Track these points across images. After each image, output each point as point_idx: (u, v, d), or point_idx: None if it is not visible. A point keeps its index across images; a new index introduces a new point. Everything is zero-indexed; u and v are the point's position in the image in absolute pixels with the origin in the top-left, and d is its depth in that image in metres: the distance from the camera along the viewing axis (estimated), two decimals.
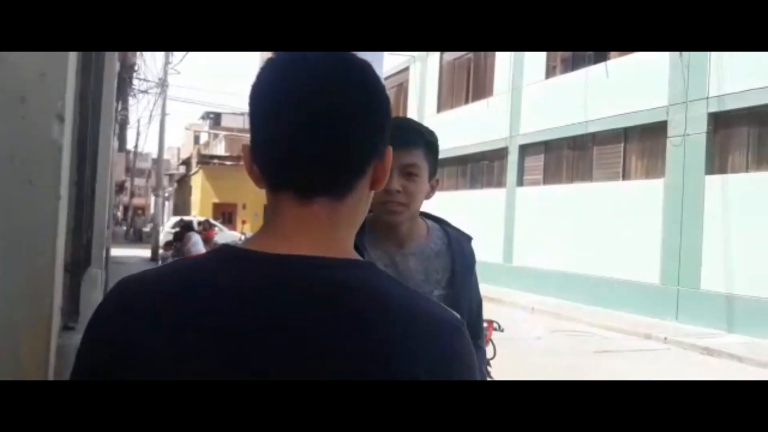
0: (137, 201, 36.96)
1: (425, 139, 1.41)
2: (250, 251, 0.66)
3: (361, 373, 0.60)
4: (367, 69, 0.69)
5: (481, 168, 14.70)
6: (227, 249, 0.67)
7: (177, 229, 11.51)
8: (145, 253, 17.35)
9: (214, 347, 0.60)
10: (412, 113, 17.56)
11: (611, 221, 10.32)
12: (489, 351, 4.29)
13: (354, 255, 0.69)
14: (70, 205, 1.82)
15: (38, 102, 0.99)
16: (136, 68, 8.60)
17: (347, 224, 0.71)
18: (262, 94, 0.68)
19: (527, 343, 7.58)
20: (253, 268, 0.64)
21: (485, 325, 4.35)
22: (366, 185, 0.71)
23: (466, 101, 15.32)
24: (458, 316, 0.76)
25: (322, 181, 0.67)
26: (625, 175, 10.50)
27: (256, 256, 0.65)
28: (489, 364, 4.33)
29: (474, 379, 0.67)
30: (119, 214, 36.39)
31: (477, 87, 14.99)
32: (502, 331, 4.55)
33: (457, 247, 1.49)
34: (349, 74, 0.68)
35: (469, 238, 1.57)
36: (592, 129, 11.02)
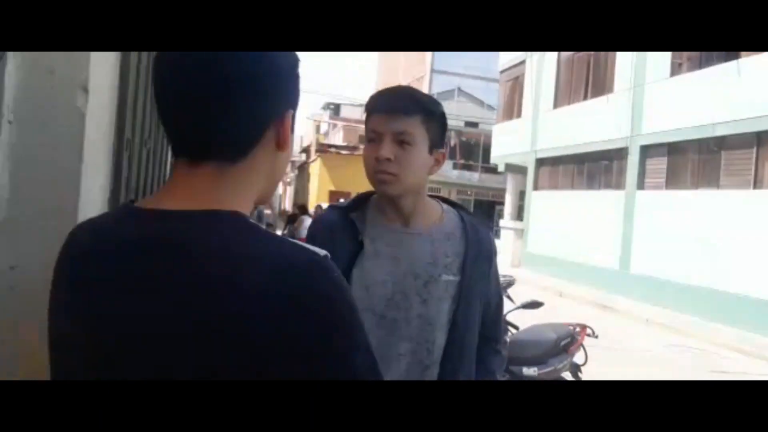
0: None
1: (422, 107, 1.35)
2: (139, 208, 0.73)
3: (191, 312, 0.64)
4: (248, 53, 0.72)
5: (599, 168, 14.43)
6: (126, 206, 0.76)
7: (293, 212, 12.76)
8: None
9: (88, 295, 0.69)
10: (527, 109, 17.50)
11: (740, 232, 9.86)
12: (580, 357, 4.43)
13: (239, 213, 0.71)
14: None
15: (66, 74, 1.06)
16: None
17: (242, 186, 0.74)
18: (156, 74, 0.74)
19: (635, 355, 7.52)
20: (134, 222, 0.70)
21: (577, 329, 4.53)
22: (266, 149, 0.75)
23: (585, 97, 15.04)
24: (321, 252, 0.69)
25: (209, 147, 0.72)
26: (757, 183, 9.97)
27: (141, 212, 0.72)
28: (580, 371, 4.52)
29: (339, 316, 0.66)
30: None
31: (596, 83, 14.67)
32: (596, 337, 4.61)
33: (472, 232, 1.43)
34: (215, 55, 0.71)
35: (487, 227, 1.52)
36: (720, 132, 10.53)
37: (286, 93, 0.76)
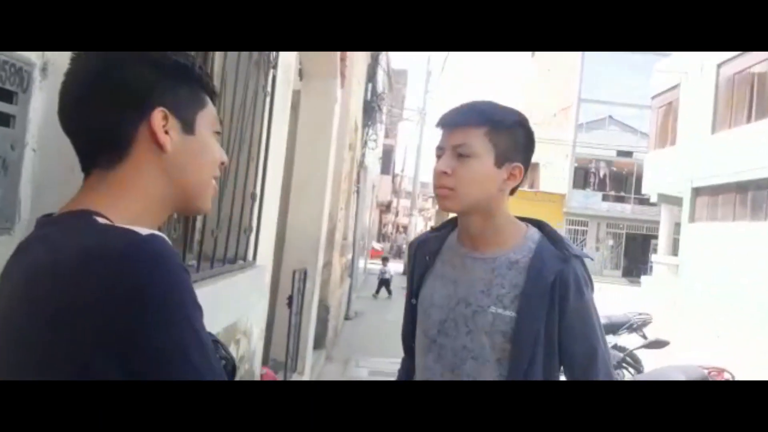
0: (402, 220, 41.14)
1: (485, 118, 1.28)
2: (46, 215, 0.80)
3: (25, 301, 0.68)
4: (101, 58, 0.78)
5: (764, 197, 13.32)
6: (45, 215, 0.81)
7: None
8: (399, 266, 18.97)
9: None
10: (682, 135, 16.61)
11: None
12: None
13: (97, 213, 0.74)
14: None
15: None
16: (383, 96, 9.92)
17: (123, 190, 0.79)
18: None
19: None
20: (36, 227, 0.78)
21: (713, 372, 4.32)
22: (146, 152, 0.79)
23: (748, 120, 14.03)
24: (143, 233, 0.69)
25: (90, 156, 0.80)
26: None
27: (42, 219, 0.79)
28: None
29: (150, 301, 0.65)
30: (389, 230, 40.73)
31: (761, 103, 13.65)
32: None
33: (537, 263, 1.28)
34: (86, 61, 0.78)
35: (578, 258, 1.30)
36: None
37: (149, 93, 0.78)
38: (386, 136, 21.04)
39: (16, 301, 0.70)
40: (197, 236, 2.19)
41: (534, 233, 1.36)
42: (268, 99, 2.72)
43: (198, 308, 0.71)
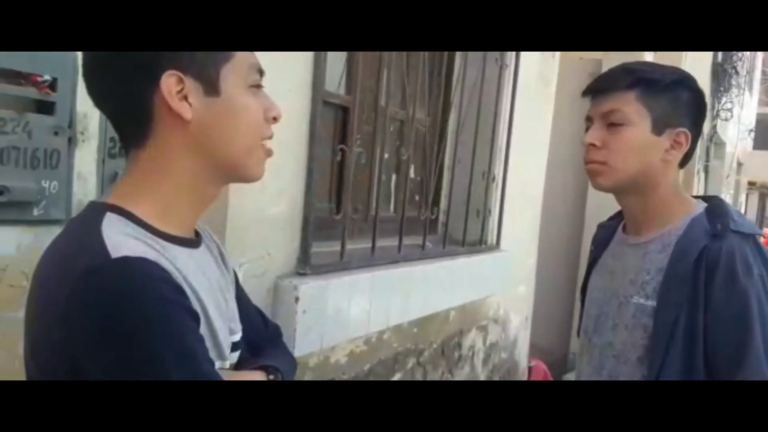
0: None
1: (637, 78, 1.13)
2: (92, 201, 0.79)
3: (29, 306, 0.70)
4: None
5: None
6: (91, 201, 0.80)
7: None
8: None
9: None
10: None
11: None
12: None
13: (127, 200, 0.72)
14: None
15: None
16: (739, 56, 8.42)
17: (154, 169, 0.74)
18: None
19: None
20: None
21: None
22: (167, 124, 0.73)
23: None
24: (109, 256, 0.64)
25: (121, 134, 0.77)
26: None
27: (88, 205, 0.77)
28: None
29: (104, 329, 0.63)
30: None
31: None
32: None
33: (682, 241, 1.11)
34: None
35: (739, 234, 1.09)
36: None
37: (157, 55, 0.71)
38: None
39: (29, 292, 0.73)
40: (427, 216, 2.25)
41: (698, 209, 1.16)
42: (507, 72, 2.62)
43: (177, 338, 0.66)
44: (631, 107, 1.12)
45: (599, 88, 1.17)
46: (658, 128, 1.13)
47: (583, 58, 5.01)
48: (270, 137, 0.80)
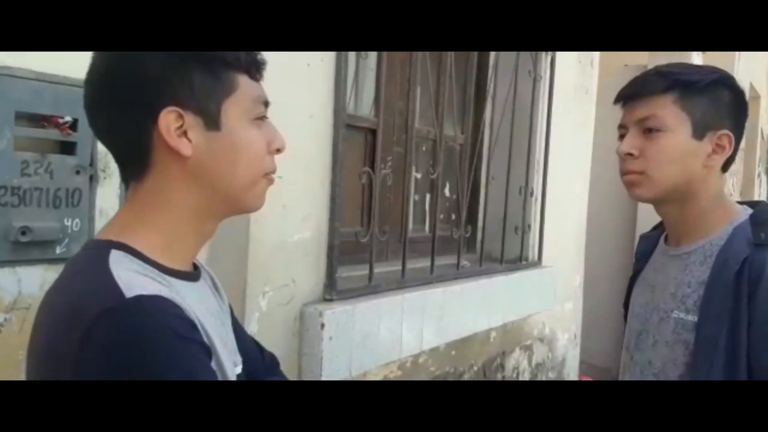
0: None
1: (674, 80, 1.06)
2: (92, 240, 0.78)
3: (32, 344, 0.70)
4: (109, 56, 0.71)
5: None
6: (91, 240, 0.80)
7: None
8: None
9: None
10: None
11: None
12: None
13: (129, 235, 0.72)
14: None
15: None
16: None
17: (154, 204, 0.73)
18: None
19: None
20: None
21: None
22: (167, 159, 0.72)
23: None
24: (122, 297, 0.64)
25: (121, 168, 0.76)
26: None
27: (86, 244, 0.77)
28: None
29: (119, 371, 0.62)
30: None
31: None
32: None
33: (724, 252, 1.04)
34: (93, 66, 0.72)
35: None
36: None
37: (156, 91, 0.70)
38: None
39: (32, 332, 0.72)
40: (463, 234, 2.21)
41: (742, 217, 1.09)
42: (542, 84, 2.57)
43: (193, 376, 0.65)
44: (668, 111, 1.06)
45: (633, 93, 1.11)
46: (699, 132, 1.06)
47: (628, 65, 4.88)
48: (273, 171, 0.79)
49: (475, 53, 2.37)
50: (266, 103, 0.79)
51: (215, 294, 0.87)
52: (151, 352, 0.63)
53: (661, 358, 1.11)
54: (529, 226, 2.58)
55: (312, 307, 1.50)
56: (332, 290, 1.57)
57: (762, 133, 8.77)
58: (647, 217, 4.60)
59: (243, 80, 0.74)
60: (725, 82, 1.09)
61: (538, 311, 2.63)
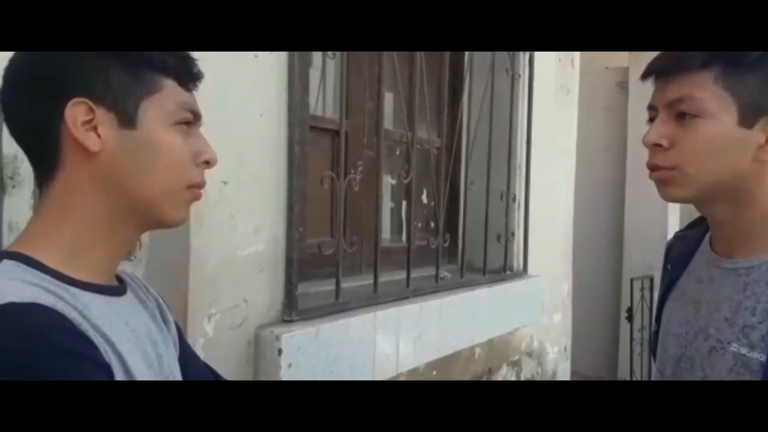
0: None
1: (716, 54, 0.86)
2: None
3: None
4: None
5: None
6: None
7: None
8: None
9: None
10: None
11: None
12: None
13: (32, 245, 0.68)
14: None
15: None
16: None
17: (57, 209, 0.69)
18: None
19: None
20: None
21: None
22: (74, 157, 0.68)
23: None
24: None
25: (33, 169, 0.72)
26: None
27: None
28: None
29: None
30: None
31: None
32: None
33: None
34: (12, 58, 0.70)
35: None
36: None
37: (68, 82, 0.67)
38: None
39: None
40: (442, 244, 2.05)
41: None
42: (520, 83, 2.43)
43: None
44: (707, 92, 0.86)
45: (664, 67, 0.90)
46: (748, 118, 0.85)
47: (609, 67, 4.79)
48: (199, 184, 0.75)
49: (449, 54, 2.23)
50: (194, 113, 0.75)
51: (154, 316, 0.83)
52: (19, 367, 0.58)
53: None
54: (513, 234, 2.43)
55: (268, 330, 1.33)
56: (292, 310, 1.40)
57: None
58: (634, 222, 4.46)
59: (169, 84, 0.72)
60: None
61: (525, 324, 2.47)
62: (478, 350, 2.24)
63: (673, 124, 0.88)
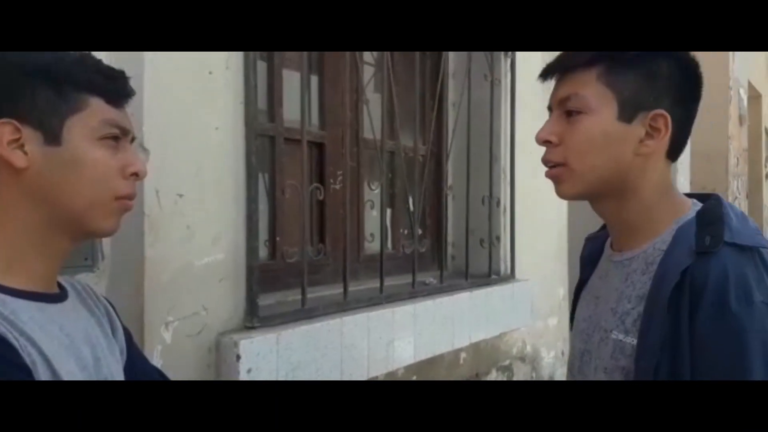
0: None
1: (599, 53, 0.90)
2: None
3: None
4: None
5: None
6: None
7: None
8: None
9: None
10: None
11: None
12: None
13: None
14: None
15: None
16: None
17: None
18: None
19: None
20: None
21: None
22: (5, 172, 0.74)
23: None
24: None
25: None
26: None
27: None
28: None
29: None
30: None
31: None
32: None
33: (666, 260, 0.87)
34: None
35: (738, 247, 0.84)
36: None
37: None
38: None
39: None
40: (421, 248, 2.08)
41: (689, 215, 0.92)
42: (503, 88, 2.45)
43: None
44: (590, 89, 0.90)
45: (553, 67, 0.95)
46: (627, 113, 0.90)
47: None
48: (127, 195, 0.80)
49: (428, 59, 2.27)
50: (122, 129, 0.80)
51: (101, 322, 0.87)
52: None
53: None
54: (498, 238, 2.45)
55: (228, 336, 1.38)
56: (253, 317, 1.44)
57: (766, 132, 8.59)
58: None
59: (95, 102, 0.77)
60: (667, 54, 0.91)
61: (512, 328, 2.48)
62: (463, 354, 2.26)
63: (563, 121, 0.93)
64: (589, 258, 1.09)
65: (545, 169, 0.98)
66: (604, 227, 1.10)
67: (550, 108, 0.97)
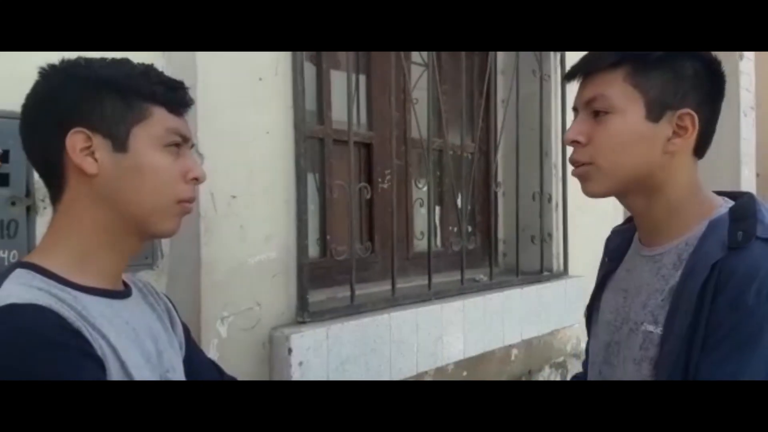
0: None
1: (624, 53, 0.92)
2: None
3: None
4: (39, 82, 0.80)
5: None
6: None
7: None
8: None
9: None
10: None
11: None
12: None
13: (42, 255, 0.78)
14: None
15: None
16: None
17: (64, 223, 0.80)
18: None
19: None
20: None
21: None
22: (77, 179, 0.78)
23: None
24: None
25: (47, 189, 0.82)
26: None
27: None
28: None
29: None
30: None
31: None
32: None
33: (695, 255, 0.90)
34: (29, 91, 0.81)
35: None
36: None
37: (69, 113, 0.78)
38: None
39: None
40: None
41: (721, 211, 0.94)
42: (553, 84, 2.43)
43: (61, 373, 0.68)
44: (616, 90, 0.93)
45: (579, 69, 0.97)
46: (655, 113, 0.92)
47: None
48: (188, 198, 0.84)
49: (475, 56, 2.28)
50: (183, 137, 0.85)
51: (161, 317, 0.93)
52: (17, 359, 0.67)
53: (629, 378, 0.96)
54: (550, 235, 2.44)
55: (279, 331, 1.44)
56: (304, 312, 1.50)
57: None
58: None
59: (158, 111, 0.82)
60: (691, 54, 0.94)
61: (565, 325, 2.46)
62: (514, 351, 2.27)
63: (591, 122, 0.95)
64: (615, 250, 1.10)
65: None
66: (630, 219, 1.11)
67: (575, 109, 1.00)
